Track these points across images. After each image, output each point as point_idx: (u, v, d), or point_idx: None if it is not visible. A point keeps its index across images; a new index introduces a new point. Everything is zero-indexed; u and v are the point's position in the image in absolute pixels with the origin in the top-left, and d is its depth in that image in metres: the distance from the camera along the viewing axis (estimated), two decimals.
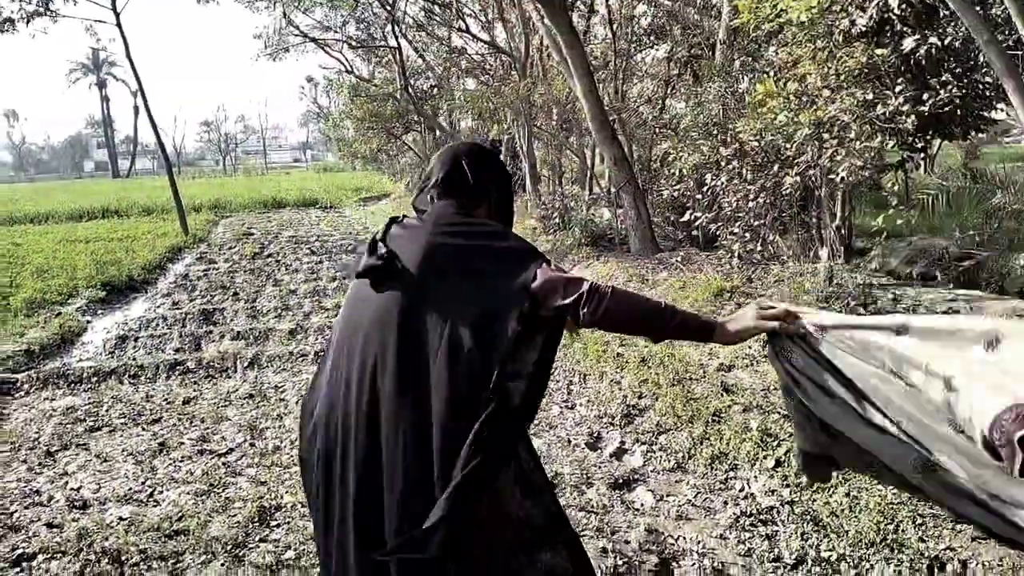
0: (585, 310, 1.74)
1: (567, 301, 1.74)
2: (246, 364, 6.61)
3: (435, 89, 22.96)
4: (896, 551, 3.07)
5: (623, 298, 1.80)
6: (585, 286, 1.76)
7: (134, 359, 6.93)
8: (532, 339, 1.79)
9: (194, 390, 6.07)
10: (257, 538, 3.61)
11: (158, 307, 9.16)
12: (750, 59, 9.93)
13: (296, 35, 23.11)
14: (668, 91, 13.78)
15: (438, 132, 22.76)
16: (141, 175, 67.21)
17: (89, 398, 5.95)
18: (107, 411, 5.63)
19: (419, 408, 1.76)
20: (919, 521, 3.22)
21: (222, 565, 3.39)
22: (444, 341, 1.75)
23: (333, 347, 2.01)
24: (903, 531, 3.17)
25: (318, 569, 2.09)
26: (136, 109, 65.27)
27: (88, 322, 8.62)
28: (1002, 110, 9.86)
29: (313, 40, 23.66)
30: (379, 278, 1.86)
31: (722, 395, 4.82)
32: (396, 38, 20.98)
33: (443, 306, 1.78)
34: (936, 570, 2.95)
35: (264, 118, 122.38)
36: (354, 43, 24.23)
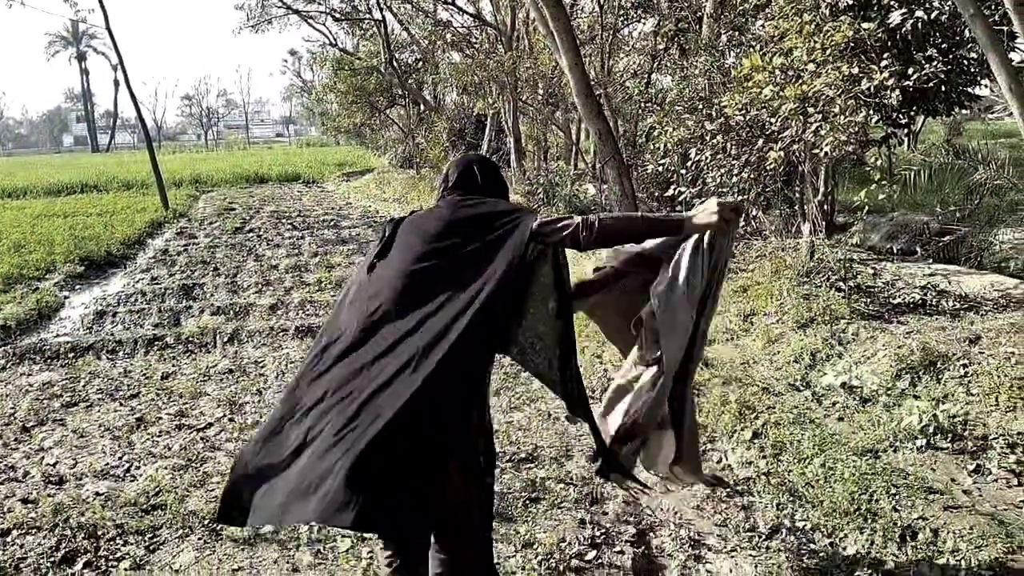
0: (584, 233, 2.19)
1: (567, 232, 2.21)
2: (226, 339, 6.57)
3: (420, 63, 22.74)
4: (870, 520, 3.10)
5: (610, 219, 2.25)
6: (578, 219, 2.24)
7: (112, 334, 6.87)
8: (541, 269, 2.31)
9: (173, 365, 6.03)
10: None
11: (137, 282, 9.06)
12: (737, 33, 9.86)
13: (279, 6, 22.78)
14: (654, 65, 13.69)
15: (422, 106, 22.57)
16: (121, 150, 66.32)
17: (66, 373, 5.90)
18: (84, 386, 5.58)
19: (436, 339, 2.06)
20: (893, 491, 3.25)
21: (199, 539, 3.38)
22: (472, 280, 2.15)
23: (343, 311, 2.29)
24: (877, 501, 3.19)
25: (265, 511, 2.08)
26: (116, 83, 64.37)
27: (66, 297, 8.52)
28: (986, 86, 9.87)
29: (296, 12, 23.34)
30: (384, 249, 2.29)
31: (702, 369, 4.83)
32: (380, 10, 20.73)
33: (466, 256, 2.20)
34: (908, 538, 2.98)
35: (246, 92, 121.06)
36: (338, 15, 23.92)
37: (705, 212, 2.28)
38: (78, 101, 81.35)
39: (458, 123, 20.05)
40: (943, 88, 8.49)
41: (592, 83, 10.48)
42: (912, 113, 9.77)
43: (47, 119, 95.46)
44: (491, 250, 2.20)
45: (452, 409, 2.06)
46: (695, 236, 2.33)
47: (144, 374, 5.82)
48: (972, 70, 8.97)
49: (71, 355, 6.31)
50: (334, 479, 1.88)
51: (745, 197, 7.13)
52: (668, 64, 13.07)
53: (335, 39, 27.11)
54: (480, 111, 17.47)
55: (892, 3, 7.61)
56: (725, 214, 2.27)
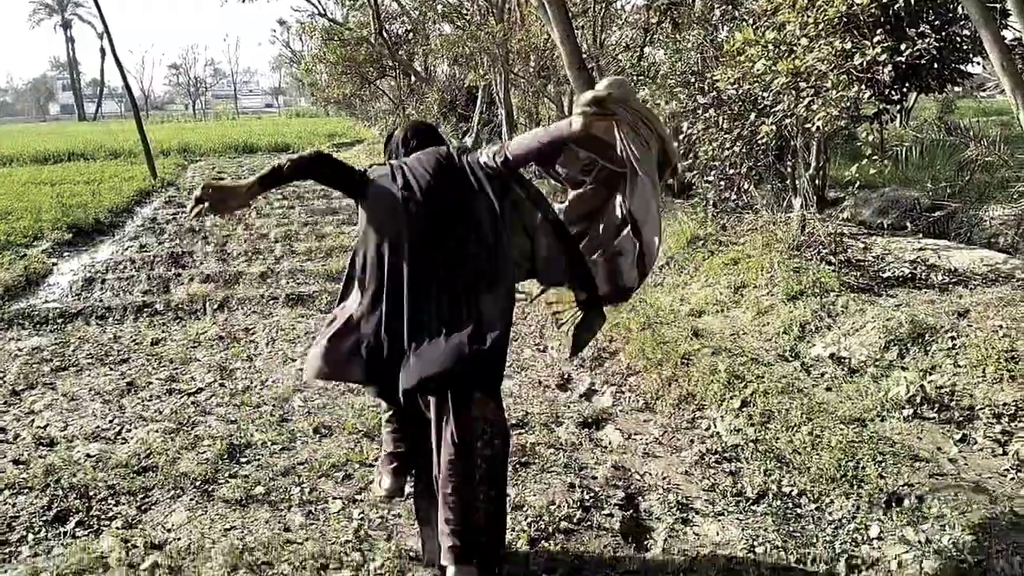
0: (499, 158, 2.62)
1: (498, 157, 2.62)
2: (216, 306, 6.55)
3: (410, 34, 22.50)
4: (856, 487, 3.14)
5: (517, 138, 2.69)
6: (497, 145, 2.71)
7: (101, 301, 6.84)
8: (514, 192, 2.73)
9: (162, 331, 6.01)
10: (227, 474, 3.61)
11: (125, 250, 9.01)
12: (730, 7, 9.79)
13: None
14: (647, 39, 13.60)
15: (413, 78, 22.37)
16: (108, 118, 65.46)
17: (55, 339, 5.87)
18: (74, 351, 5.57)
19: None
20: (879, 459, 3.30)
21: (191, 500, 3.40)
22: (483, 204, 2.61)
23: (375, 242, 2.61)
24: (863, 468, 3.24)
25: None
26: (102, 51, 63.33)
27: (54, 264, 8.46)
28: (979, 63, 9.86)
29: None
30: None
31: (691, 339, 4.86)
32: None
33: (469, 190, 2.63)
34: (893, 504, 3.03)
35: (234, 62, 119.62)
36: None
37: (576, 114, 2.54)
38: (64, 69, 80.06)
39: (449, 95, 19.88)
40: (935, 65, 8.48)
41: (584, 56, 10.42)
42: (904, 89, 9.76)
43: (33, 87, 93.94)
44: (480, 184, 2.63)
45: (511, 301, 2.65)
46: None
47: (134, 340, 5.80)
48: (965, 47, 8.96)
49: (60, 321, 6.28)
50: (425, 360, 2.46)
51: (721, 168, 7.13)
52: (661, 38, 12.98)
53: (324, 9, 26.76)
54: (471, 83, 17.31)
55: None
56: (590, 107, 2.48)
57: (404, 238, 2.53)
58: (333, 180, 2.71)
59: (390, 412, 2.95)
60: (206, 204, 2.44)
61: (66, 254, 9.10)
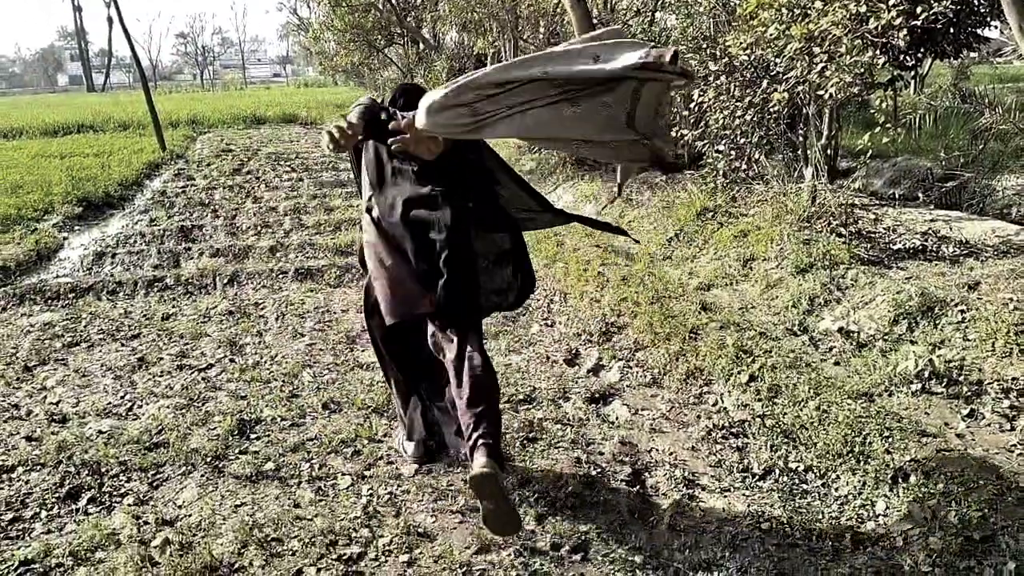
0: None
1: None
2: (225, 281, 6.57)
3: None
4: (862, 462, 3.14)
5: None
6: None
7: (112, 275, 6.86)
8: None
9: (173, 306, 6.05)
10: (237, 450, 3.65)
11: (136, 224, 9.03)
12: None
13: None
14: (658, 3, 13.39)
15: (421, 45, 22.16)
16: (117, 89, 65.29)
17: (67, 314, 5.91)
18: (85, 327, 5.61)
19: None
20: (886, 434, 3.29)
21: (202, 476, 3.44)
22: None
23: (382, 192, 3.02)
24: (870, 443, 3.23)
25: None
26: (110, 20, 62.96)
27: (65, 238, 8.49)
28: (995, 27, 9.67)
29: None
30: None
31: (700, 313, 4.85)
32: None
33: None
34: (900, 480, 3.02)
35: (242, 31, 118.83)
36: None
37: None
38: (72, 39, 79.93)
39: (458, 62, 19.68)
40: (952, 29, 8.31)
41: (595, 21, 10.28)
42: (919, 55, 9.59)
43: (41, 57, 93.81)
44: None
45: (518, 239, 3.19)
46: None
47: (145, 315, 5.84)
48: (982, 10, 8.78)
49: (71, 296, 6.32)
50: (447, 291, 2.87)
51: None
52: (672, 1, 12.79)
53: None
54: (480, 50, 17.12)
55: None
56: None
57: (423, 184, 2.91)
58: (376, 124, 2.92)
59: (395, 367, 3.41)
60: (339, 139, 2.70)
61: (77, 228, 9.14)
